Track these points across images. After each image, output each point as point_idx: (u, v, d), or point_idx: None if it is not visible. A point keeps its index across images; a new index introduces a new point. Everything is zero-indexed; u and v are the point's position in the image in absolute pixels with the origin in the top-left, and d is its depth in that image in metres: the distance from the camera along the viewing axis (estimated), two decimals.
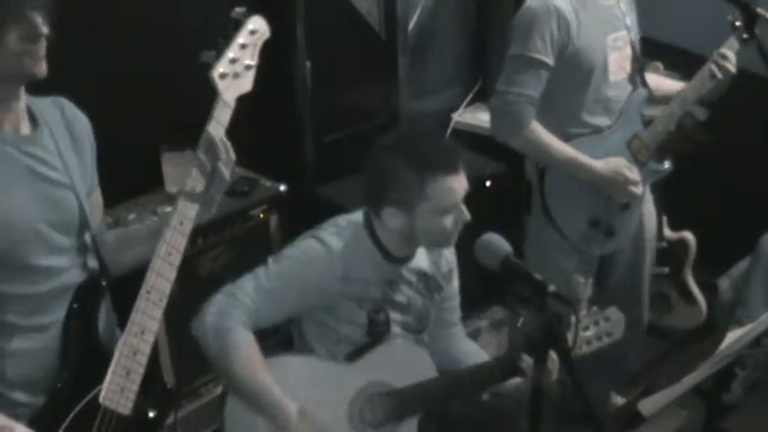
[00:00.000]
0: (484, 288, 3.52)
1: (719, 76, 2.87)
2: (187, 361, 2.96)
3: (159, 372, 2.83)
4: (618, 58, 2.90)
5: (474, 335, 3.49)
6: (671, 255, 3.77)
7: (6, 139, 1.86)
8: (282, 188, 3.38)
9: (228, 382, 2.22)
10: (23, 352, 1.91)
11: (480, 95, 4.24)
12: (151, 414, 2.00)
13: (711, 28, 2.96)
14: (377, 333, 2.29)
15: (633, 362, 3.40)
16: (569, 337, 2.02)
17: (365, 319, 2.28)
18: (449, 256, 2.44)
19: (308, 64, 3.61)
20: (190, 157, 3.07)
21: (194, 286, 2.17)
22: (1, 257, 1.85)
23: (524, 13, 2.82)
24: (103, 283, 2.00)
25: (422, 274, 2.37)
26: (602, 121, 2.92)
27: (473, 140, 3.97)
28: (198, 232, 1.94)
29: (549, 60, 2.78)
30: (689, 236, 3.77)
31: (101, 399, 1.88)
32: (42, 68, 1.82)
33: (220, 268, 3.13)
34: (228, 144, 1.90)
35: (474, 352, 2.51)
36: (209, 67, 1.91)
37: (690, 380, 2.27)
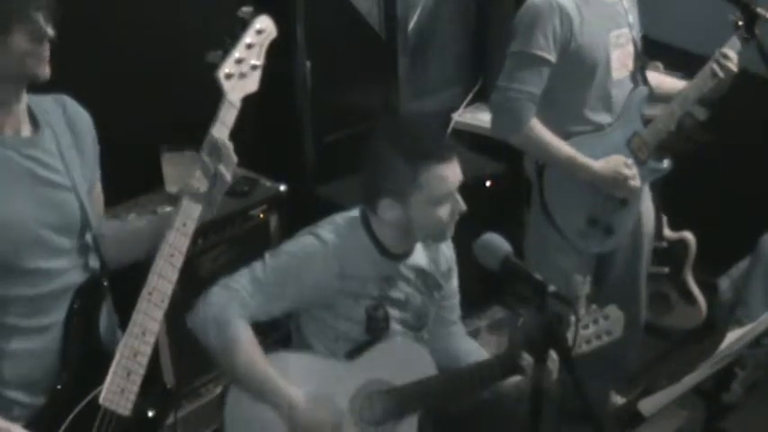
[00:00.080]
0: (484, 288, 3.52)
1: (721, 74, 2.88)
2: (187, 361, 2.97)
3: (159, 372, 2.83)
4: (620, 56, 2.90)
5: (474, 335, 3.49)
6: (671, 255, 3.77)
7: (7, 143, 1.85)
8: (282, 188, 3.39)
9: (230, 375, 2.22)
10: (23, 352, 1.90)
11: (480, 95, 4.24)
12: (150, 414, 1.99)
13: (712, 28, 2.96)
14: (375, 330, 2.29)
15: (632, 361, 3.40)
16: (569, 336, 2.02)
17: (363, 316, 2.28)
18: (448, 254, 2.45)
19: (308, 64, 3.61)
20: (190, 157, 3.11)
21: (195, 286, 2.17)
22: (1, 261, 1.84)
23: (527, 10, 2.81)
24: (105, 284, 2.00)
25: (420, 272, 2.37)
26: (603, 118, 2.92)
27: (473, 140, 3.97)
28: (198, 232, 1.93)
29: (551, 57, 2.78)
30: (689, 236, 3.77)
31: (101, 400, 1.88)
32: (46, 71, 1.82)
33: (221, 268, 3.12)
34: (230, 146, 1.89)
35: (474, 350, 2.51)
36: (213, 67, 1.90)
37: (690, 380, 2.27)
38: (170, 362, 2.97)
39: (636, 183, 2.92)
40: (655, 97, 3.02)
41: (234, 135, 1.91)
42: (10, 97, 1.86)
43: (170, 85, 3.21)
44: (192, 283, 2.04)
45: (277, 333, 2.44)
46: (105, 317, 2.00)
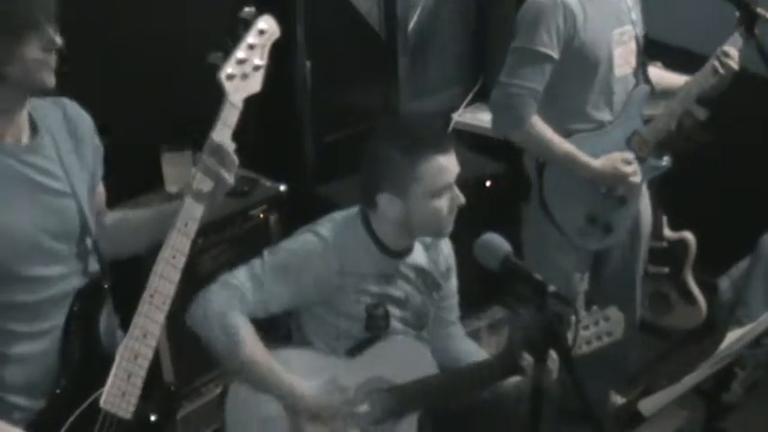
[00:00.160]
0: (484, 288, 3.52)
1: (722, 71, 2.88)
2: (187, 360, 2.97)
3: (161, 374, 2.83)
4: (623, 53, 2.90)
5: (474, 335, 3.49)
6: (671, 255, 3.77)
7: (7, 151, 1.85)
8: (282, 188, 3.39)
9: (232, 369, 2.22)
10: (23, 357, 1.90)
11: (480, 95, 4.24)
12: (153, 418, 1.99)
13: (712, 27, 2.97)
14: (376, 328, 2.30)
15: (632, 361, 3.40)
16: (569, 336, 2.02)
17: (363, 314, 2.28)
18: (447, 254, 2.45)
19: (308, 64, 3.61)
20: (190, 157, 3.11)
21: (194, 286, 2.16)
22: (1, 269, 1.84)
23: (531, 6, 2.81)
24: (105, 286, 2.00)
25: (420, 270, 2.37)
26: (604, 115, 2.92)
27: (473, 140, 3.97)
28: (198, 232, 1.93)
29: (554, 54, 2.78)
30: (689, 236, 3.77)
31: (101, 403, 1.87)
32: (53, 80, 1.83)
33: (221, 268, 3.09)
34: (232, 147, 1.88)
35: (473, 351, 2.51)
36: (214, 66, 1.89)
37: (690, 380, 2.27)
38: (170, 361, 2.97)
39: (636, 179, 2.92)
40: (656, 94, 3.03)
41: (236, 136, 1.90)
42: (15, 105, 1.86)
43: (170, 85, 3.21)
44: (192, 282, 2.03)
45: (277, 332, 2.44)
46: (105, 319, 2.00)
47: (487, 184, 3.71)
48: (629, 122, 2.96)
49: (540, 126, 2.83)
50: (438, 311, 2.47)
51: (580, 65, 2.83)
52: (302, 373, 2.21)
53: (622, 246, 3.14)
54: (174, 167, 3.17)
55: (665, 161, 3.05)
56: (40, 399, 1.91)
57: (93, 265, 1.99)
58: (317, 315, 2.30)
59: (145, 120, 3.16)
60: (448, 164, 2.21)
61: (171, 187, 3.18)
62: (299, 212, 3.30)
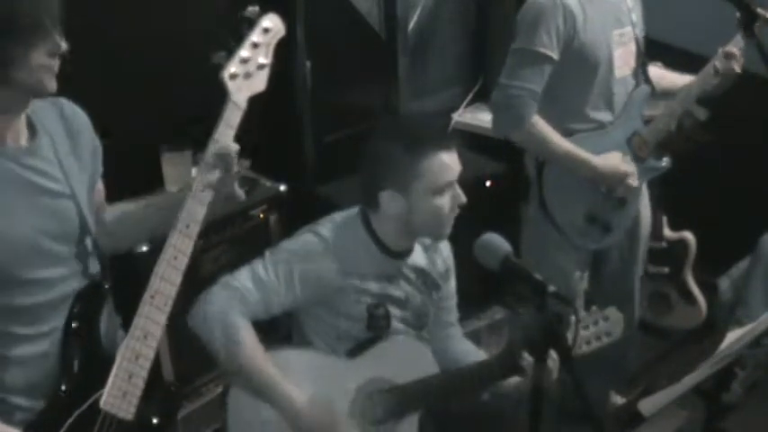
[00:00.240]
0: (484, 288, 3.52)
1: (723, 72, 2.88)
2: (188, 360, 2.96)
3: (161, 375, 2.83)
4: (623, 54, 2.90)
5: (474, 335, 3.49)
6: (671, 255, 3.77)
7: (7, 154, 1.85)
8: (282, 188, 3.39)
9: (234, 374, 2.22)
10: (23, 359, 1.90)
11: (480, 95, 4.24)
12: (155, 420, 1.98)
13: (712, 28, 2.96)
14: (376, 328, 2.30)
15: (632, 361, 3.40)
16: (569, 336, 2.02)
17: (364, 314, 2.28)
18: (446, 255, 2.45)
19: (308, 64, 3.61)
20: (190, 157, 3.11)
21: (195, 286, 2.16)
22: (0, 272, 1.84)
23: (531, 7, 2.81)
24: (106, 287, 1.99)
25: (420, 271, 2.38)
26: (604, 116, 2.92)
27: (473, 140, 3.96)
28: (198, 233, 1.92)
29: (554, 55, 2.78)
30: (689, 236, 3.77)
31: (101, 403, 1.86)
32: (54, 84, 1.83)
33: (221, 268, 3.10)
34: (235, 148, 1.87)
35: (472, 351, 2.51)
36: (214, 66, 1.89)
37: (690, 380, 2.26)
38: (170, 361, 2.97)
39: (634, 182, 2.92)
40: (656, 94, 3.03)
41: (237, 136, 1.89)
42: (17, 108, 1.86)
43: (170, 85, 3.21)
44: (193, 283, 2.03)
45: (278, 332, 2.44)
46: (106, 320, 1.99)
47: (487, 184, 3.71)
48: (629, 123, 2.96)
49: (541, 126, 2.83)
50: (437, 312, 2.47)
51: (580, 66, 2.83)
52: (302, 373, 2.21)
53: (621, 246, 3.15)
54: (174, 167, 3.17)
55: (665, 162, 3.05)
56: (41, 400, 1.90)
57: (94, 266, 1.99)
58: (318, 315, 2.30)
59: (145, 120, 3.16)
60: (450, 161, 2.21)
61: (171, 187, 3.18)
62: (299, 212, 3.31)
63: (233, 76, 1.86)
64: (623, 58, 2.91)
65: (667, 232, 3.77)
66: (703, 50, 3.00)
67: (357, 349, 2.29)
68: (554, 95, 2.84)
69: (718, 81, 2.91)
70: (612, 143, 2.93)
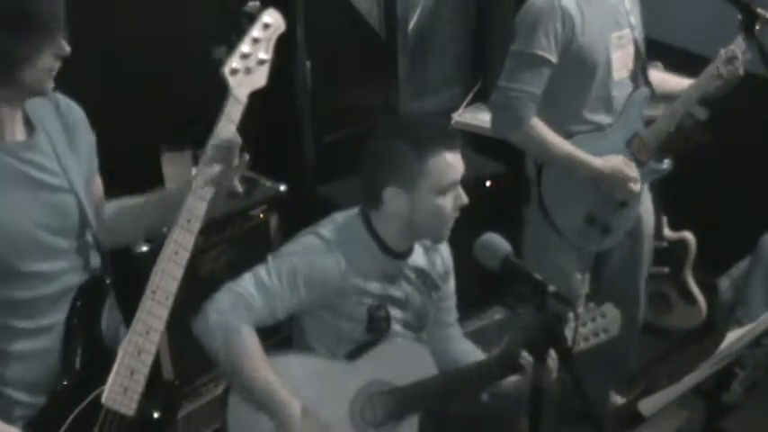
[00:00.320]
0: (484, 288, 3.52)
1: (725, 75, 2.88)
2: (188, 360, 2.96)
3: (161, 372, 2.83)
4: (621, 56, 2.90)
5: (474, 335, 3.49)
6: (671, 255, 3.77)
7: (6, 149, 1.85)
8: (282, 188, 3.39)
9: (233, 380, 2.22)
10: (24, 353, 1.90)
11: (480, 95, 4.24)
12: (156, 415, 1.98)
13: (712, 28, 2.96)
14: (377, 330, 2.30)
15: (632, 361, 3.40)
16: (569, 335, 2.02)
17: (365, 316, 2.28)
18: (445, 256, 2.45)
19: (308, 64, 3.61)
20: (190, 157, 3.10)
21: (195, 286, 2.16)
22: (1, 265, 1.84)
23: (529, 10, 2.81)
24: (107, 282, 2.00)
25: (420, 271, 2.38)
26: (603, 118, 2.92)
27: (473, 140, 3.96)
28: (198, 232, 1.92)
29: (552, 57, 2.78)
30: (689, 236, 3.77)
31: (103, 399, 1.86)
32: (52, 83, 1.85)
33: (221, 268, 3.13)
34: (239, 142, 1.88)
35: (471, 352, 2.51)
36: (215, 66, 1.89)
37: (690, 380, 2.27)
38: (170, 361, 2.97)
39: (636, 187, 2.92)
40: (656, 97, 3.03)
41: (238, 133, 1.90)
42: (14, 105, 1.87)
43: (170, 85, 3.21)
44: (192, 282, 2.03)
45: (278, 335, 2.44)
46: (108, 315, 2.00)
47: (487, 184, 3.71)
48: (629, 125, 2.96)
49: (540, 127, 2.83)
50: (436, 313, 2.47)
51: (578, 68, 2.83)
52: (302, 377, 2.21)
53: (623, 248, 3.14)
54: (174, 167, 3.17)
55: (666, 164, 3.05)
56: (42, 395, 1.90)
57: (95, 261, 1.99)
58: (319, 318, 2.29)
59: (145, 120, 3.16)
60: (455, 161, 2.22)
61: (171, 187, 3.18)
62: (299, 212, 3.31)
63: (234, 72, 1.87)
64: (621, 61, 2.91)
65: (667, 232, 3.77)
66: (703, 51, 3.00)
67: (356, 352, 2.29)
68: (552, 98, 2.84)
69: (721, 83, 2.90)
70: (612, 146, 2.93)
